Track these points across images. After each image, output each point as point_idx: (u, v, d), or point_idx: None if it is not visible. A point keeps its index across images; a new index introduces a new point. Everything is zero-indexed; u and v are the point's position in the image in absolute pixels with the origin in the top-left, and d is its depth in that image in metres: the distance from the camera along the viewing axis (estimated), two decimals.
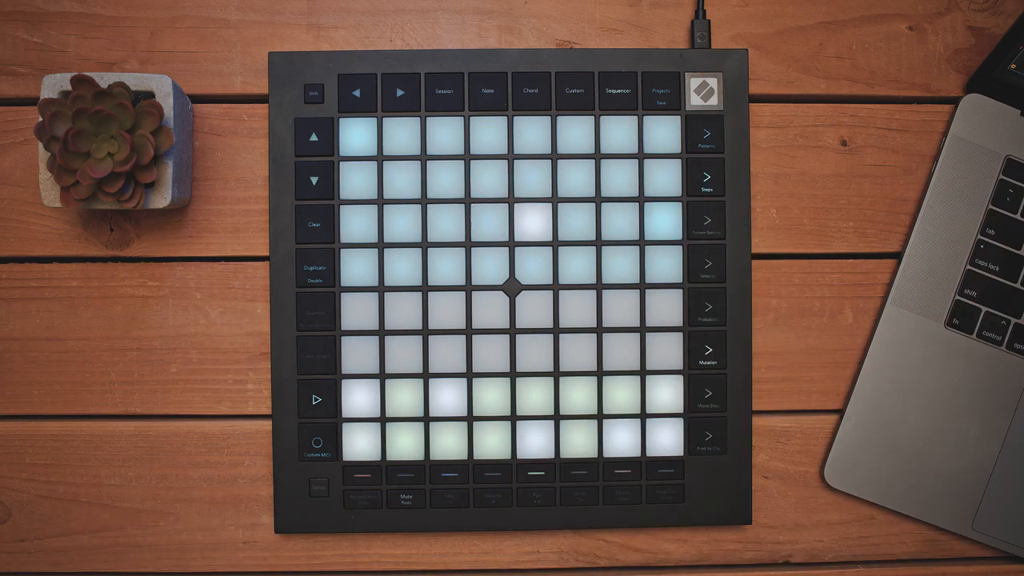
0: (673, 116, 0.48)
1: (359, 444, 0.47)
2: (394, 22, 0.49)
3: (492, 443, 0.47)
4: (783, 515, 0.49)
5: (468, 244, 0.47)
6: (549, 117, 0.47)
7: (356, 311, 0.47)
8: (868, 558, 0.50)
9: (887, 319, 0.49)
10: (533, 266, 0.47)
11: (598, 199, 0.47)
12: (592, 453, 0.47)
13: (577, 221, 0.47)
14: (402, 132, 0.47)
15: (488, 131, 0.47)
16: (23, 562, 0.49)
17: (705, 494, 0.48)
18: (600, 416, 0.47)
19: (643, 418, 0.48)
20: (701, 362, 0.47)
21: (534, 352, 0.47)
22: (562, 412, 0.47)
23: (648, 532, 0.49)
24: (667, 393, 0.48)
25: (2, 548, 0.48)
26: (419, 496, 0.47)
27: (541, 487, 0.47)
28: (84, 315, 0.48)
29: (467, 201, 0.47)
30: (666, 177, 0.47)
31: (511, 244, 0.47)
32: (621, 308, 0.47)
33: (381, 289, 0.47)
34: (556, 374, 0.47)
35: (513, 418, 0.47)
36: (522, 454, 0.47)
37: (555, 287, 0.47)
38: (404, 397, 0.47)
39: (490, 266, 0.47)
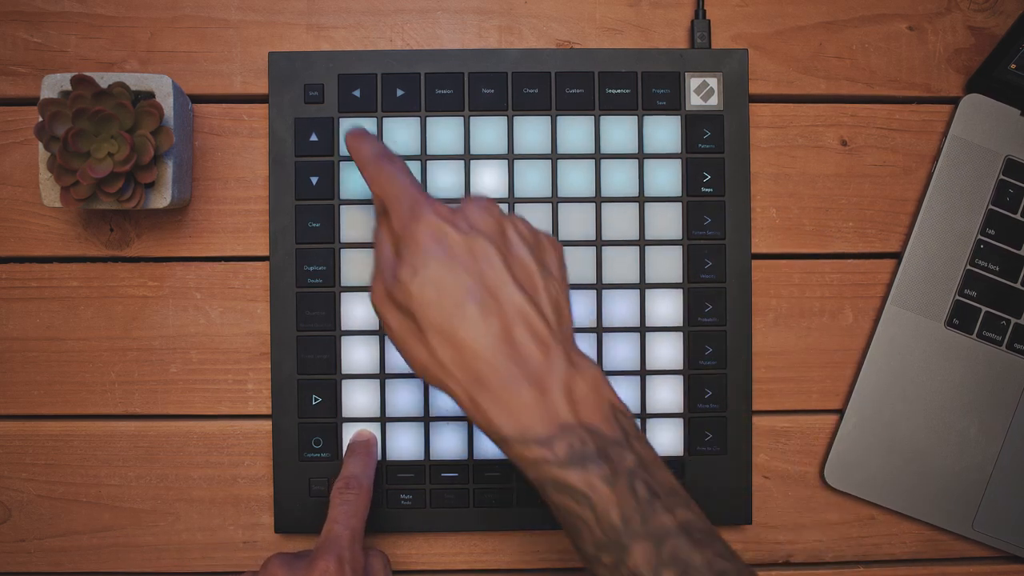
0: (673, 116, 0.48)
1: None
2: (394, 22, 0.49)
3: (492, 443, 0.47)
4: (783, 515, 0.49)
5: None
6: (549, 117, 0.47)
7: (356, 311, 0.47)
8: (868, 558, 0.50)
9: (887, 319, 0.49)
10: None
11: (598, 199, 0.47)
12: None
13: (577, 221, 0.47)
14: (402, 132, 0.47)
15: (488, 131, 0.47)
16: (23, 562, 0.49)
17: (705, 494, 0.48)
18: None
19: (643, 418, 0.47)
20: (701, 362, 0.47)
21: None
22: None
23: None
24: (667, 393, 0.48)
25: (2, 548, 0.48)
26: (419, 496, 0.47)
27: None
28: (84, 315, 0.48)
29: None
30: (666, 177, 0.47)
31: None
32: (621, 308, 0.47)
33: None
34: None
35: None
36: None
37: None
38: (404, 397, 0.47)
39: None
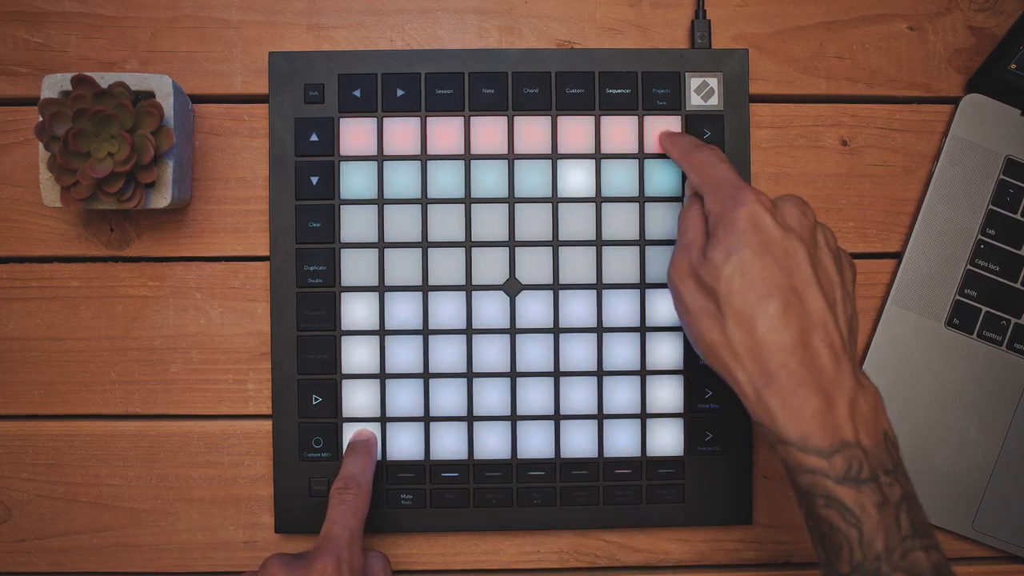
0: (673, 116, 0.48)
1: None
2: (394, 22, 0.49)
3: (492, 443, 0.47)
4: (783, 515, 0.49)
5: (468, 244, 0.47)
6: (549, 117, 0.47)
7: (356, 311, 0.47)
8: None
9: (887, 319, 0.49)
10: (533, 266, 0.47)
11: (598, 199, 0.47)
12: (592, 453, 0.47)
13: (577, 221, 0.47)
14: (402, 132, 0.47)
15: (488, 131, 0.47)
16: (23, 562, 0.49)
17: (705, 494, 0.48)
18: (600, 416, 0.47)
19: (643, 418, 0.47)
20: (701, 362, 0.47)
21: (534, 352, 0.47)
22: (562, 412, 0.47)
23: (648, 532, 0.49)
24: (667, 393, 0.48)
25: (2, 548, 0.48)
26: (419, 496, 0.47)
27: (541, 487, 0.47)
28: (84, 315, 0.48)
29: (467, 201, 0.47)
30: (666, 177, 0.47)
31: (511, 244, 0.47)
32: (621, 308, 0.47)
33: (381, 289, 0.47)
34: (556, 374, 0.47)
35: (513, 418, 0.47)
36: (522, 454, 0.47)
37: (555, 287, 0.47)
38: (404, 397, 0.47)
39: (490, 266, 0.47)
